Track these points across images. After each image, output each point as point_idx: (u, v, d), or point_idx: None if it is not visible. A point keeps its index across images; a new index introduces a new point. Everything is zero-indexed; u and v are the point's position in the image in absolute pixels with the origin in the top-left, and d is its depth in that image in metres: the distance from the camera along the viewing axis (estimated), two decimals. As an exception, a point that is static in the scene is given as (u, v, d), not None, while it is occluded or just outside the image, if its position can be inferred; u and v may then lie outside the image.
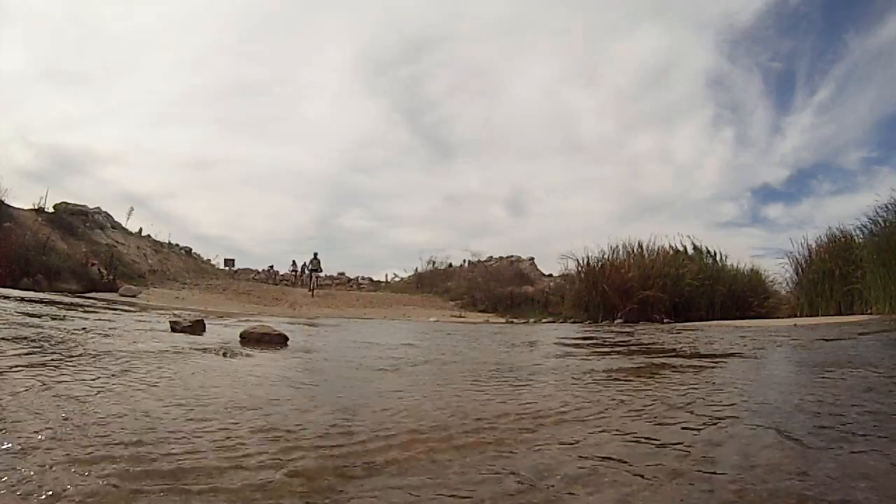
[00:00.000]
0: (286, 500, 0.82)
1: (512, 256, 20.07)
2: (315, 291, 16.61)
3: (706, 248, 10.59)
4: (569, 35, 27.42)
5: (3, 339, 2.19)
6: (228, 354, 2.29)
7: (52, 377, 1.54)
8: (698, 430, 1.26)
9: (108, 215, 17.36)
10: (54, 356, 1.91)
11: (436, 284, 19.10)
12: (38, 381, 1.48)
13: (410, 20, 27.75)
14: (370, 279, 19.67)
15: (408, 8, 27.43)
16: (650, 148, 27.35)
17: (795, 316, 8.05)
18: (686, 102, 27.19)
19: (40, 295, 7.18)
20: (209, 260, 21.22)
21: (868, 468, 0.96)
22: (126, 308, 6.10)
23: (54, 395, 1.33)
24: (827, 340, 3.59)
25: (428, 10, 27.75)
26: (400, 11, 27.05)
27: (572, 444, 1.15)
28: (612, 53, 26.71)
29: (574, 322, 9.45)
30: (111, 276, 13.61)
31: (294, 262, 18.85)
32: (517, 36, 26.92)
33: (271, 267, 20.90)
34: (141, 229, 18.51)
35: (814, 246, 8.67)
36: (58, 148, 25.90)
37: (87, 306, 5.45)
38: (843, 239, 8.32)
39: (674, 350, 3.23)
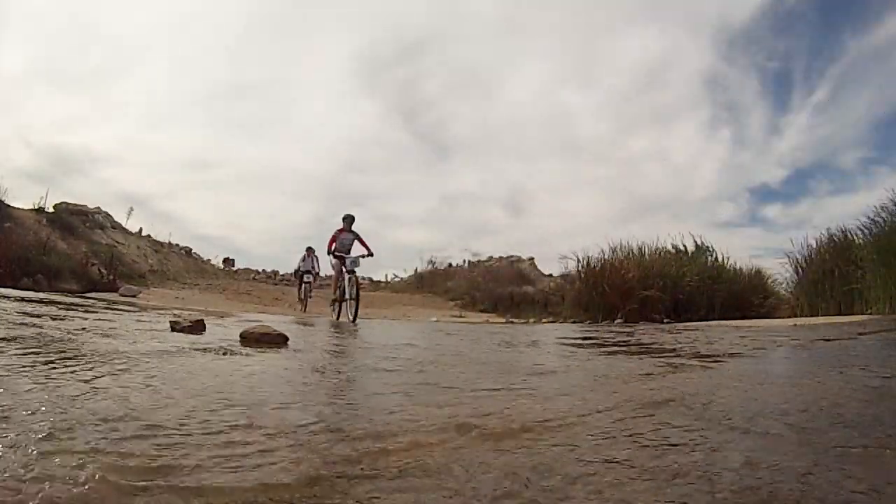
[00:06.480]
0: (286, 500, 0.82)
1: (512, 256, 20.09)
2: (307, 303, 11.72)
3: (707, 246, 10.58)
4: (565, 36, 27.41)
5: (2, 338, 2.19)
6: (228, 354, 2.29)
7: (51, 377, 1.54)
8: (699, 430, 1.25)
9: (108, 215, 17.38)
10: (54, 356, 1.90)
11: (436, 284, 19.11)
12: (37, 381, 1.47)
13: (407, 21, 27.74)
14: (370, 279, 19.65)
15: (404, 8, 27.42)
16: (648, 148, 27.30)
17: (795, 316, 8.05)
18: (683, 103, 27.14)
19: (40, 295, 7.18)
20: (209, 260, 21.26)
21: (871, 469, 0.96)
22: (126, 308, 6.10)
23: (53, 395, 1.33)
24: (827, 340, 3.59)
25: (424, 10, 27.74)
26: (396, 12, 27.05)
27: (573, 444, 1.15)
28: (608, 54, 26.70)
29: (574, 322, 9.45)
30: (111, 276, 13.63)
31: (309, 249, 12.37)
32: (513, 37, 26.90)
33: (275, 272, 20.80)
34: (141, 229, 18.54)
35: (814, 246, 8.69)
36: (57, 148, 25.85)
37: (87, 306, 5.45)
38: (843, 239, 8.33)
39: (674, 350, 3.23)
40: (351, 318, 6.94)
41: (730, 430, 1.25)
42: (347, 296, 7.19)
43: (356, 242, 7.73)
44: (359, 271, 7.34)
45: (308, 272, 12.19)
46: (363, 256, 7.58)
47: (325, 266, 12.60)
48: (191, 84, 29.26)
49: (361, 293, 7.29)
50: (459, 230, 32.19)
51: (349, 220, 7.76)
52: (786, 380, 2.07)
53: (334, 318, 7.57)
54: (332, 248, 7.54)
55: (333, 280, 7.99)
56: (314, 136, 29.85)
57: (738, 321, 7.43)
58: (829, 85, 21.08)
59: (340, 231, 7.68)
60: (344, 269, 7.38)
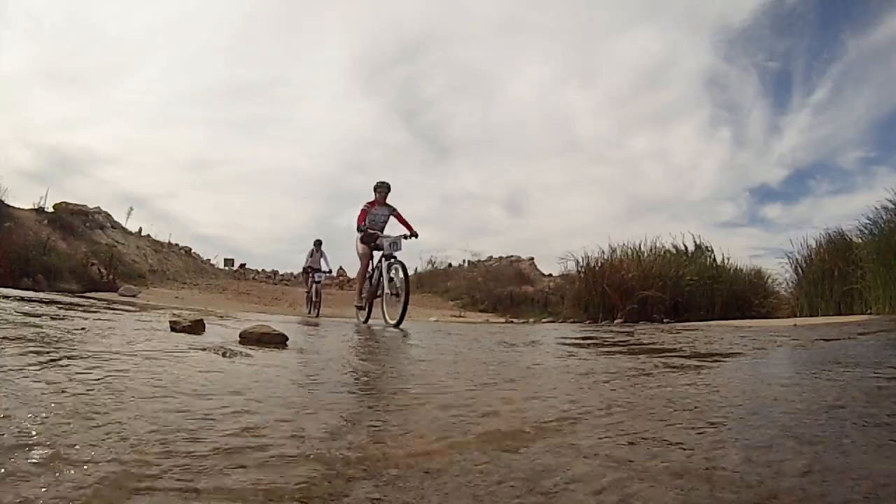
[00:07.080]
0: (287, 500, 0.82)
1: (512, 256, 20.13)
2: (317, 306, 9.82)
3: (707, 246, 10.57)
4: (564, 36, 27.57)
5: (2, 338, 2.19)
6: (228, 354, 2.29)
7: (51, 377, 1.54)
8: (699, 429, 1.25)
9: (107, 215, 17.41)
10: (53, 356, 1.90)
11: (436, 284, 19.15)
12: (37, 380, 1.47)
13: (407, 21, 27.85)
14: (370, 279, 19.60)
15: (404, 8, 27.52)
16: (648, 148, 27.43)
17: (795, 316, 8.05)
18: (683, 103, 27.27)
19: (40, 295, 7.17)
20: (209, 260, 21.30)
21: (871, 468, 0.96)
22: (126, 308, 6.09)
23: (52, 395, 1.33)
24: (827, 340, 3.58)
25: (424, 10, 27.84)
26: (396, 12, 27.13)
27: (573, 443, 1.15)
28: (608, 54, 26.82)
29: (574, 322, 9.45)
30: (111, 276, 13.66)
31: (317, 243, 10.41)
32: (513, 37, 27.12)
33: (275, 272, 20.90)
34: (141, 229, 18.58)
35: (813, 246, 8.69)
36: (57, 148, 25.99)
37: (87, 306, 5.44)
38: (842, 239, 8.33)
39: (674, 350, 3.23)
40: (394, 321, 5.07)
41: (730, 430, 1.25)
42: (386, 289, 5.35)
43: (392, 218, 5.88)
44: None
45: (318, 270, 10.26)
46: (405, 237, 5.67)
47: (333, 265, 11.83)
48: (191, 84, 29.41)
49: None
50: (459, 230, 32.35)
51: (384, 189, 5.81)
52: (787, 379, 2.07)
53: (360, 319, 5.80)
54: (363, 225, 5.70)
55: (360, 271, 5.97)
56: (314, 136, 29.95)
57: (738, 321, 7.43)
58: (828, 85, 21.14)
59: (372, 204, 5.81)
60: (381, 255, 5.60)
